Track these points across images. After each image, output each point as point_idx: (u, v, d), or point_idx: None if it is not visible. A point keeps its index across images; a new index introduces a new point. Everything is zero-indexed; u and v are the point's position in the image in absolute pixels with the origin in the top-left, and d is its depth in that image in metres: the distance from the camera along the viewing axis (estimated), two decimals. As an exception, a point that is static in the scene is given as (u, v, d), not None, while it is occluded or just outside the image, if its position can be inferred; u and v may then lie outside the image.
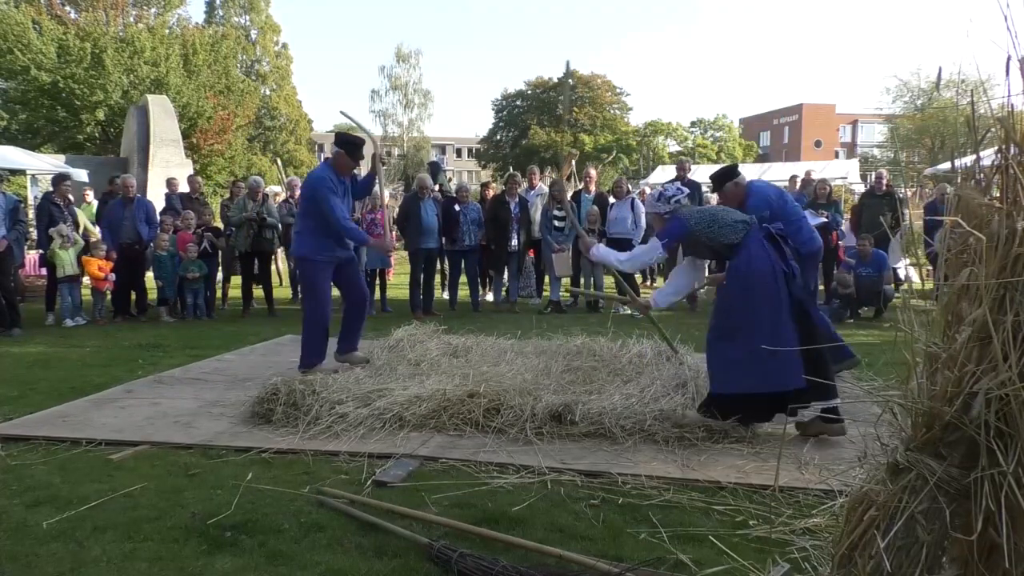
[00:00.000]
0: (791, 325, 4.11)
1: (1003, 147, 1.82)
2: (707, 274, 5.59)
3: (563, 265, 9.84)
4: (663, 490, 3.56)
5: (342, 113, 6.64)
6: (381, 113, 54.55)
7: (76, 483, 3.66)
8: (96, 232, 10.02)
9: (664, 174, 19.53)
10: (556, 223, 9.83)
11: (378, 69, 54.75)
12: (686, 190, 4.83)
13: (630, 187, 11.03)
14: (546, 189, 10.78)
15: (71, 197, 9.49)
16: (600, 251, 5.01)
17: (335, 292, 6.01)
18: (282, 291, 11.45)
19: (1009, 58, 1.79)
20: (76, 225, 9.22)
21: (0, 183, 8.30)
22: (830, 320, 5.84)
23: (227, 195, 11.92)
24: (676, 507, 3.38)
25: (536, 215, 10.20)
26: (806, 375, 3.82)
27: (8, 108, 26.73)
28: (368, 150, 6.03)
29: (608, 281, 10.63)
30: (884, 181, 10.61)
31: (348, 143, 5.81)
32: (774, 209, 5.38)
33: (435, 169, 12.36)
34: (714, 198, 13.14)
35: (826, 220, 9.38)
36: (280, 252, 11.53)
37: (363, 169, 6.48)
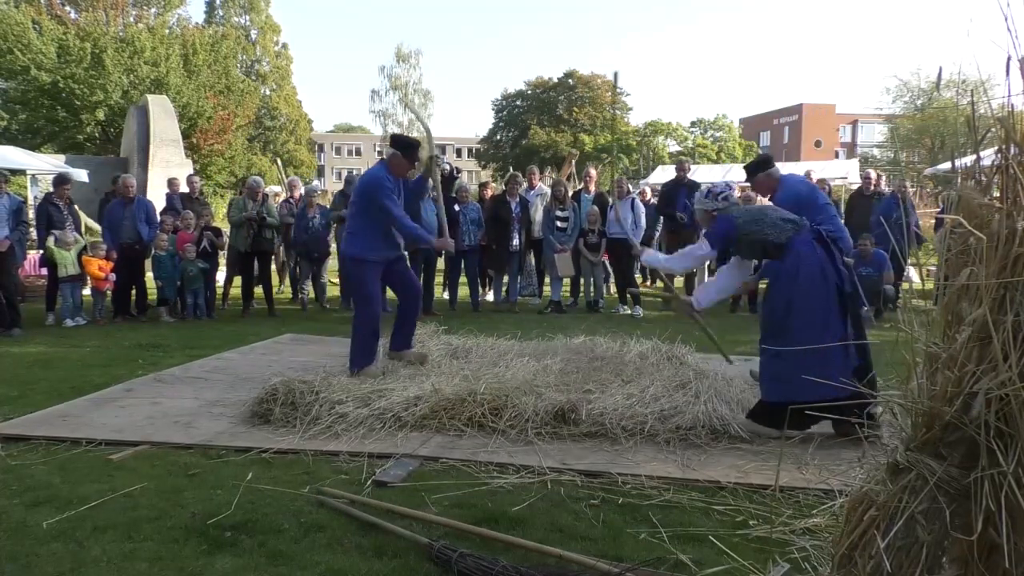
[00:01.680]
0: (840, 328, 4.09)
1: (1003, 147, 1.82)
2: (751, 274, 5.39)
3: (565, 265, 9.84)
4: (663, 490, 3.56)
5: (402, 101, 6.39)
6: (381, 113, 54.53)
7: (76, 483, 3.66)
8: (97, 229, 10.00)
9: (664, 174, 19.50)
10: (559, 224, 9.82)
11: (378, 69, 54.80)
12: (735, 188, 4.74)
13: (630, 187, 11.03)
14: (546, 189, 10.77)
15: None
16: (648, 255, 5.01)
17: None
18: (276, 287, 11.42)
19: (1009, 58, 1.79)
20: (77, 226, 9.21)
21: (6, 183, 8.31)
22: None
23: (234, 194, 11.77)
24: (676, 507, 3.38)
25: (536, 215, 10.20)
26: (856, 376, 3.77)
27: (8, 108, 26.73)
28: (423, 152, 5.91)
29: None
30: (872, 181, 10.60)
31: (405, 145, 5.73)
32: (803, 205, 5.13)
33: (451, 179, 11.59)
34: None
35: None
36: (280, 251, 11.49)
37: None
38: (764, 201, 5.29)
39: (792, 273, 4.22)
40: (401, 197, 5.72)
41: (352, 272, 5.89)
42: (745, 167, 5.97)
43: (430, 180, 5.98)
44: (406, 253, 5.89)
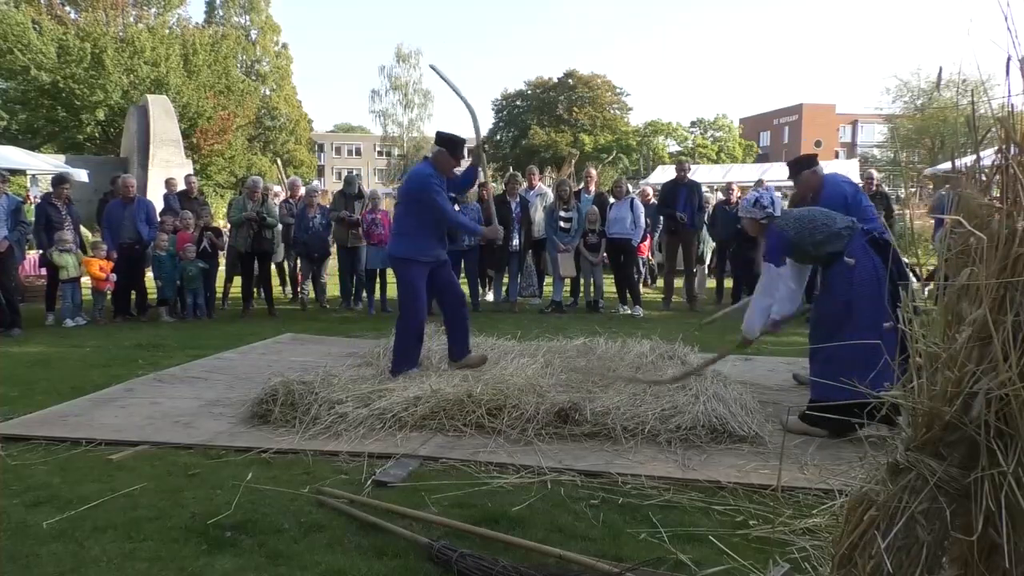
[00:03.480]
0: (892, 335, 4.02)
1: (1003, 147, 1.82)
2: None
3: (568, 265, 9.84)
4: (663, 490, 3.56)
5: (431, 68, 5.81)
6: (381, 113, 54.63)
7: (76, 483, 3.66)
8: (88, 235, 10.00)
9: (664, 174, 19.53)
10: (562, 224, 9.82)
11: (378, 69, 54.89)
12: (779, 197, 4.56)
13: (630, 187, 11.02)
14: (546, 189, 10.76)
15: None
16: (748, 327, 4.57)
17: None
18: (280, 291, 11.42)
19: (1009, 58, 1.79)
20: (77, 226, 9.20)
21: (5, 184, 8.30)
22: None
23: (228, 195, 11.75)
24: (676, 507, 3.38)
25: (536, 215, 10.19)
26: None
27: (8, 108, 26.76)
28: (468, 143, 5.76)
29: (608, 282, 10.63)
30: (874, 181, 10.58)
31: (450, 142, 5.62)
32: (849, 205, 5.04)
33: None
34: (713, 198, 13.19)
35: None
36: (280, 251, 11.47)
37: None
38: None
39: (847, 276, 4.20)
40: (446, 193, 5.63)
41: (400, 273, 5.69)
42: (789, 164, 5.79)
43: (479, 169, 5.90)
44: (448, 258, 5.78)
